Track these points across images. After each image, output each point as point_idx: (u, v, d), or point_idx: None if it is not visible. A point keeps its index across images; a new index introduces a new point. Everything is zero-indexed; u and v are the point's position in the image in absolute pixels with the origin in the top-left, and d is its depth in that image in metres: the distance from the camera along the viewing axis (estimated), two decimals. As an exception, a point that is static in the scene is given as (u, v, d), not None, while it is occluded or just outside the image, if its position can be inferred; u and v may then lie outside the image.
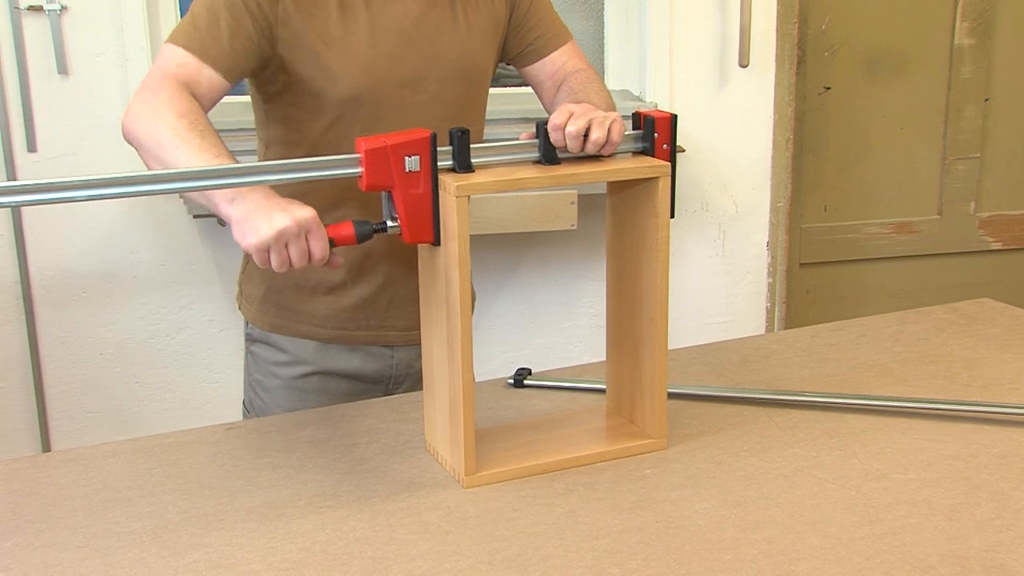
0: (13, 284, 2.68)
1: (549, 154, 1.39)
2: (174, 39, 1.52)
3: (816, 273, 3.30)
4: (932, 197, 3.34)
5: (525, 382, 1.70)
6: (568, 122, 1.39)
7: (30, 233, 2.66)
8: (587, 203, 2.76)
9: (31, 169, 2.62)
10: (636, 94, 2.97)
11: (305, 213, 1.32)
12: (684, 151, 2.92)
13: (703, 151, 2.98)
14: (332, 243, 1.35)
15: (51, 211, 2.66)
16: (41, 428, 2.79)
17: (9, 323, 2.71)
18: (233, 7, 1.51)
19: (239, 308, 1.80)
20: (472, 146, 1.35)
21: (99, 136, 2.62)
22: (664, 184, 1.38)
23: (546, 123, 1.39)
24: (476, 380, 1.60)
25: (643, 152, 1.44)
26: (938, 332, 1.91)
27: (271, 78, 1.60)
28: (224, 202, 1.34)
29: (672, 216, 1.40)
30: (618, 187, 1.46)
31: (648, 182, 1.40)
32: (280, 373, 1.74)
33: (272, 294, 1.73)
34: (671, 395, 1.55)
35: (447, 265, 1.33)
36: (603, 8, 2.98)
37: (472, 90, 1.68)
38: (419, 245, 1.40)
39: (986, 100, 3.28)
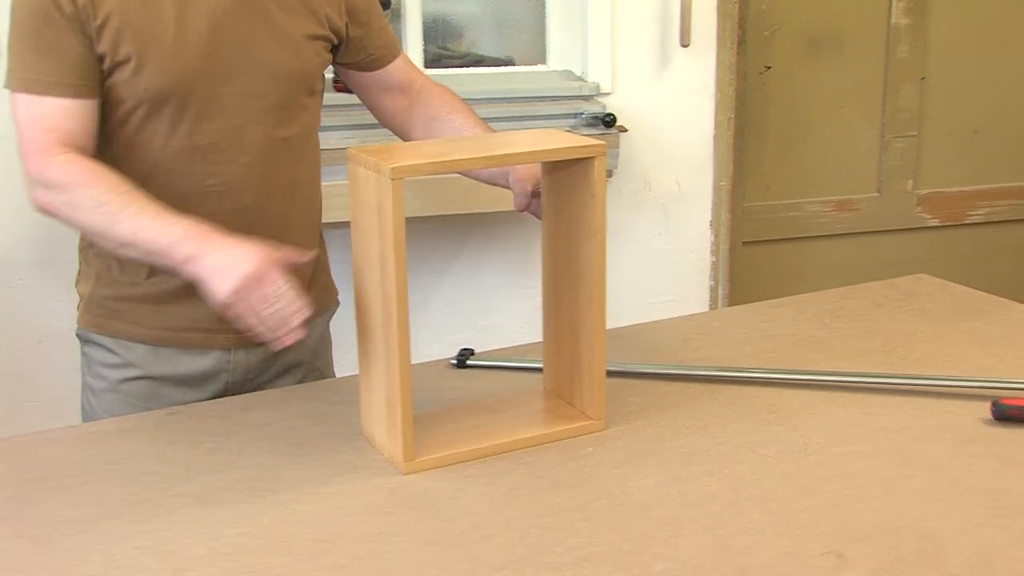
0: (-54, 272, 2.63)
1: None
2: (13, 85, 1.47)
3: (759, 251, 3.33)
4: (871, 175, 3.38)
5: (468, 362, 1.70)
6: None
7: (-37, 220, 2.61)
8: (531, 184, 2.75)
9: None
10: (578, 74, 2.97)
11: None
12: (627, 131, 2.93)
13: (645, 131, 2.99)
14: None
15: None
16: (-22, 418, 2.74)
17: (-57, 312, 2.66)
18: (49, 20, 1.44)
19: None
20: None
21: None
22: (600, 164, 1.38)
23: None
24: (419, 361, 1.59)
25: None
26: (876, 308, 1.94)
27: None
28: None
29: None
30: (553, 167, 1.45)
31: (584, 162, 1.39)
32: (107, 375, 1.66)
33: (97, 293, 1.67)
34: (612, 373, 1.56)
35: (383, 249, 1.32)
36: (545, -12, 2.98)
37: (295, 90, 1.61)
38: (352, 228, 1.38)
39: (922, 79, 3.33)
